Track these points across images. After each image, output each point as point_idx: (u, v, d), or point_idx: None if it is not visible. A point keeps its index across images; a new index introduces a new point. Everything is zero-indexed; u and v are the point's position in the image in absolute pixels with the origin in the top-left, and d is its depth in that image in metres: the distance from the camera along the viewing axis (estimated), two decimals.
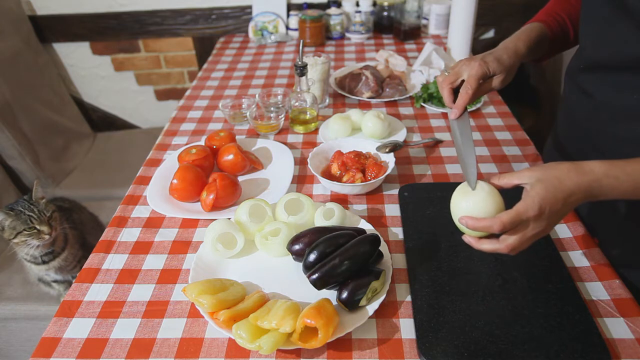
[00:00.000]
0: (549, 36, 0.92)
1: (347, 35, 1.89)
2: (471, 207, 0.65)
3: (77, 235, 1.32)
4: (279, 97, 1.33)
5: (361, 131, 1.19)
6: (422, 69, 1.47)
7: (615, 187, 0.62)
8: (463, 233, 0.68)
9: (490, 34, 2.11)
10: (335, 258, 0.72)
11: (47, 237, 1.16)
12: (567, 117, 0.97)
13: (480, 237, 0.66)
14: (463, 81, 0.80)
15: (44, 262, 1.25)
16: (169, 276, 0.82)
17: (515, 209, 0.61)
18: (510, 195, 0.65)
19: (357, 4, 1.91)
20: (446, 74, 0.83)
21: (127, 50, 2.14)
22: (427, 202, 0.94)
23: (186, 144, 1.20)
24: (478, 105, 1.31)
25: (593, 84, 0.84)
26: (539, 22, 0.92)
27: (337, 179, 1.00)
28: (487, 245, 0.65)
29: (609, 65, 0.79)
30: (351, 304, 0.71)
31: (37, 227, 1.14)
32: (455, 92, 0.81)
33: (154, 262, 0.85)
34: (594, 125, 0.85)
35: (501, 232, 0.63)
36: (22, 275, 1.38)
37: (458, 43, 1.57)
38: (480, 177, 1.02)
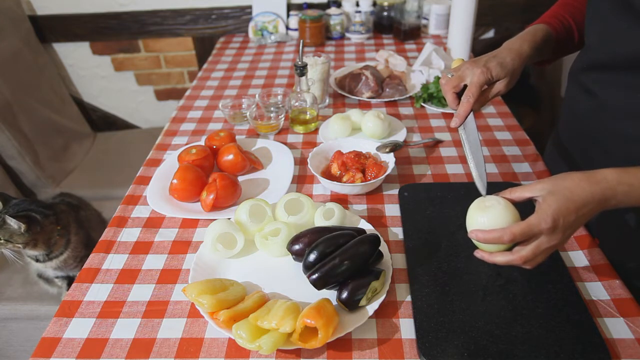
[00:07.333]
0: (554, 38, 0.91)
1: (347, 35, 1.89)
2: (487, 221, 0.63)
3: (82, 236, 1.31)
4: (279, 97, 1.33)
5: (361, 131, 1.19)
6: (422, 69, 1.47)
7: (630, 195, 0.61)
8: (464, 234, 0.68)
9: (490, 34, 2.11)
10: (335, 258, 0.72)
11: None
12: (570, 116, 0.96)
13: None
14: (466, 85, 0.80)
15: (37, 261, 1.25)
16: (169, 276, 0.82)
17: (527, 221, 0.61)
18: (528, 212, 0.63)
19: (357, 4, 1.91)
20: (448, 75, 0.82)
21: (127, 50, 2.14)
22: (427, 202, 0.94)
23: (186, 144, 1.20)
24: None
25: (597, 83, 0.84)
26: (544, 24, 0.91)
27: (337, 179, 1.00)
28: (500, 258, 0.64)
29: (613, 64, 0.79)
30: (351, 304, 0.71)
31: None
32: (460, 95, 0.80)
33: (154, 262, 0.85)
34: (597, 125, 0.85)
35: (512, 244, 0.62)
36: (22, 275, 1.38)
37: (458, 43, 1.57)
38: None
